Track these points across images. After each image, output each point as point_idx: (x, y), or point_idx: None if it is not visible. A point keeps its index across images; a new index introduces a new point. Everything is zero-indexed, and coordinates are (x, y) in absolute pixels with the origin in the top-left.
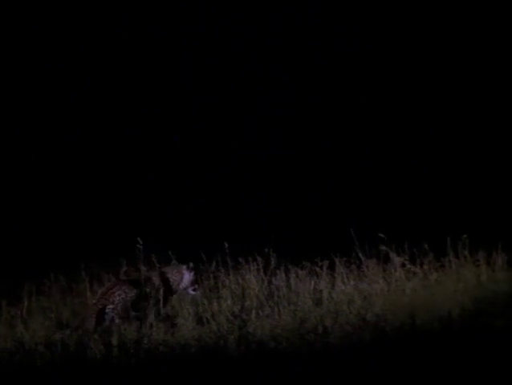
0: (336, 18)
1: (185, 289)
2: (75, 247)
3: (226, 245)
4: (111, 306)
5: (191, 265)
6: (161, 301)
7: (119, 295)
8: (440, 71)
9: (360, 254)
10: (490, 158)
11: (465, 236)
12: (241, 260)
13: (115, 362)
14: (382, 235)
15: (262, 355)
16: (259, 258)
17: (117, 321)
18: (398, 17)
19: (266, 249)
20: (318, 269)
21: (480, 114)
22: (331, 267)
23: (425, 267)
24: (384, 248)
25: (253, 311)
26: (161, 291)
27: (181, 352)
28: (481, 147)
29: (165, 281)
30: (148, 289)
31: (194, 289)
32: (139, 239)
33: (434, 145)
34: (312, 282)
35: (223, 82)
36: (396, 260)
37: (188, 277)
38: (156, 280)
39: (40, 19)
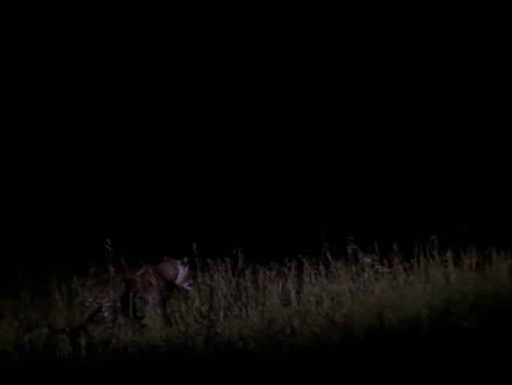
0: (336, 18)
1: (181, 284)
2: (44, 248)
3: (195, 246)
4: (107, 304)
5: (185, 260)
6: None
7: (113, 293)
8: (440, 71)
9: (329, 255)
10: (459, 159)
11: (433, 236)
12: (209, 260)
13: (83, 362)
14: (351, 237)
15: (230, 356)
16: (227, 259)
17: (110, 318)
18: (398, 17)
19: (234, 250)
20: (286, 269)
21: (461, 117)
22: (300, 268)
23: (394, 268)
24: (352, 248)
25: (222, 312)
26: (159, 287)
27: (150, 353)
28: (451, 149)
29: (163, 276)
30: (140, 288)
31: (189, 285)
32: (107, 240)
33: (402, 147)
34: (280, 283)
35: (223, 82)
36: (365, 260)
37: (182, 272)
38: (152, 278)
39: (40, 19)
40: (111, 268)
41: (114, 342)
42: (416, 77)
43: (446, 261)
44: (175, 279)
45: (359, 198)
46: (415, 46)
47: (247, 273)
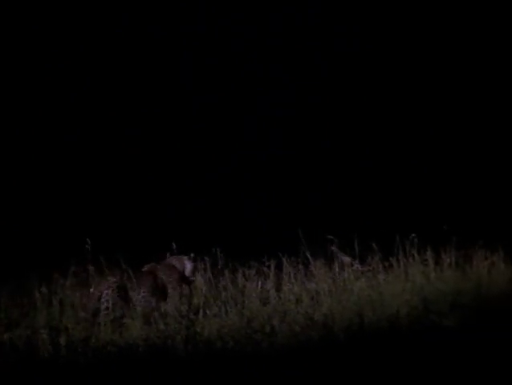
0: (336, 18)
1: (188, 278)
2: (25, 247)
3: (174, 246)
4: (106, 291)
5: (192, 255)
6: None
7: (114, 283)
8: (440, 71)
9: (308, 254)
10: (439, 159)
11: (413, 235)
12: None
13: (63, 361)
14: (330, 236)
15: (209, 355)
16: (206, 258)
17: (108, 305)
18: (398, 17)
19: (214, 249)
20: (265, 268)
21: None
22: (279, 267)
23: (373, 266)
24: (332, 247)
25: (201, 311)
26: (175, 281)
27: (129, 352)
28: (431, 150)
29: (172, 271)
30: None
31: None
32: (87, 239)
33: (382, 147)
34: (260, 282)
35: (223, 82)
36: (345, 260)
37: (189, 267)
38: (161, 273)
39: (40, 19)
40: (90, 267)
41: (93, 340)
42: (416, 77)
43: (426, 259)
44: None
45: (338, 198)
46: (415, 46)
47: (226, 272)
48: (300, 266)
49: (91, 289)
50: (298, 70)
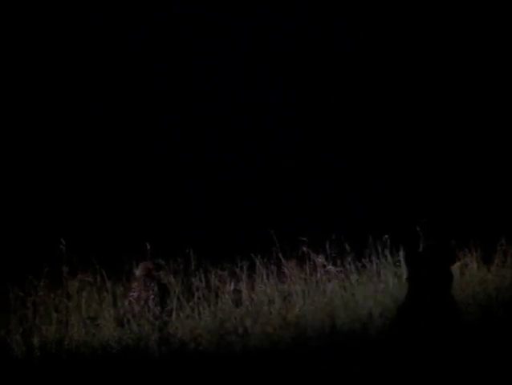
0: (336, 18)
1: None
2: None
3: (148, 247)
4: (152, 296)
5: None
6: None
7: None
8: (440, 71)
9: (280, 255)
10: (411, 159)
11: (385, 236)
12: (161, 261)
13: (36, 362)
14: (303, 238)
15: (182, 356)
16: (179, 259)
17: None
18: (398, 17)
19: (187, 250)
20: (238, 270)
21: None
22: (252, 268)
23: (346, 268)
24: (304, 248)
25: (174, 312)
26: None
27: (102, 353)
28: (404, 148)
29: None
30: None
31: None
32: (62, 240)
33: (356, 147)
34: (232, 283)
35: (223, 82)
36: (317, 261)
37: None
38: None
39: (41, 19)
40: (64, 268)
41: (67, 342)
42: (417, 77)
43: (398, 260)
44: None
45: (310, 198)
46: (415, 46)
47: (199, 273)
48: (273, 267)
49: (133, 293)
50: (298, 70)
